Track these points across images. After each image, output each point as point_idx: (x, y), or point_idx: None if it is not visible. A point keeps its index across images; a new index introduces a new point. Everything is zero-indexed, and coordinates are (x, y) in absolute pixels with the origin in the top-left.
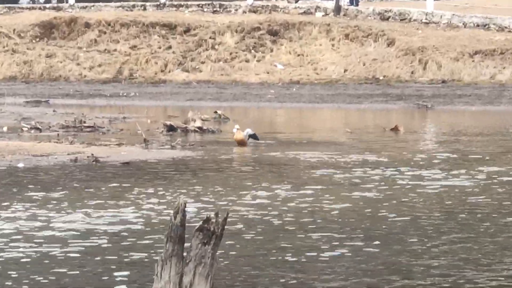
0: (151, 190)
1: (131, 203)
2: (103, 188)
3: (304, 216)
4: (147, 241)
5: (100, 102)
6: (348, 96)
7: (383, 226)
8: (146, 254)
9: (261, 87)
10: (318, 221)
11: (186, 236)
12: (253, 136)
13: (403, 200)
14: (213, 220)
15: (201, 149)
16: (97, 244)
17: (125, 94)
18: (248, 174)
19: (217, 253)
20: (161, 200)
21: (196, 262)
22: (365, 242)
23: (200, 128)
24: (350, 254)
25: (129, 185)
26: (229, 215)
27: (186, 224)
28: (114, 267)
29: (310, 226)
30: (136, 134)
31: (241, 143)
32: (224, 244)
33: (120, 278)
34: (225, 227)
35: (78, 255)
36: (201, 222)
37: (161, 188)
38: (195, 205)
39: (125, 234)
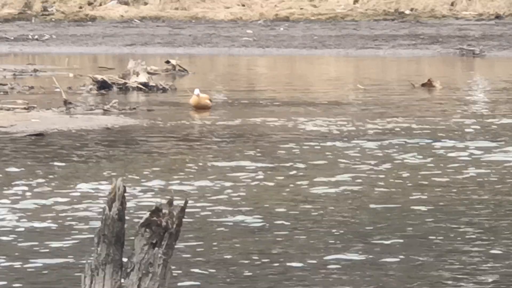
0: (72, 173)
1: (43, 192)
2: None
3: (292, 214)
4: (66, 243)
5: None
6: (360, 38)
7: (409, 225)
8: (62, 261)
9: (234, 25)
10: (324, 220)
11: (126, 234)
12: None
13: (441, 185)
14: (165, 211)
15: (146, 114)
16: None
17: (36, 36)
18: (211, 149)
19: (170, 258)
20: (86, 188)
21: (142, 271)
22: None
23: (145, 84)
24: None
25: (41, 166)
26: (187, 204)
27: (126, 218)
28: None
29: (300, 226)
30: (53, 93)
31: (200, 107)
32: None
33: None
34: (183, 220)
35: None
36: (147, 214)
37: (87, 171)
38: (138, 191)
39: (34, 234)
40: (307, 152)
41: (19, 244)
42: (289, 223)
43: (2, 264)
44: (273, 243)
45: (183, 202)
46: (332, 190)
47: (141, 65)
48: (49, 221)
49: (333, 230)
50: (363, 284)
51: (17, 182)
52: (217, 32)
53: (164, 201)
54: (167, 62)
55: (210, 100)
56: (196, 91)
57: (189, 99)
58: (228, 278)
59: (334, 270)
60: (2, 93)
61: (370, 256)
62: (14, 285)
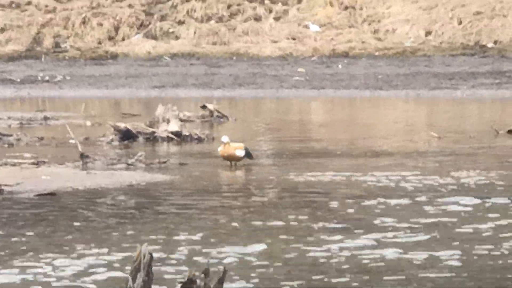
0: (90, 242)
1: (53, 267)
2: (6, 241)
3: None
4: None
5: (3, 92)
6: (434, 76)
7: None
8: None
9: (282, 62)
10: None
11: None
12: (248, 155)
13: None
14: (200, 283)
15: (178, 169)
16: None
17: (46, 78)
18: (254, 209)
19: None
20: (105, 258)
21: None
22: None
23: (177, 133)
24: None
25: (51, 233)
26: (226, 274)
27: None
28: None
29: None
30: (67, 145)
31: (227, 157)
32: None
33: None
34: None
35: None
36: (178, 287)
37: (107, 237)
38: (166, 259)
39: None
40: (370, 211)
41: None
42: None
43: None
44: None
45: (221, 272)
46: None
47: (172, 111)
48: None
49: None
50: None
51: (24, 253)
52: (262, 70)
53: (198, 272)
54: (203, 107)
55: (248, 152)
56: (224, 138)
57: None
58: None
59: None
60: (6, 145)
61: None
62: None
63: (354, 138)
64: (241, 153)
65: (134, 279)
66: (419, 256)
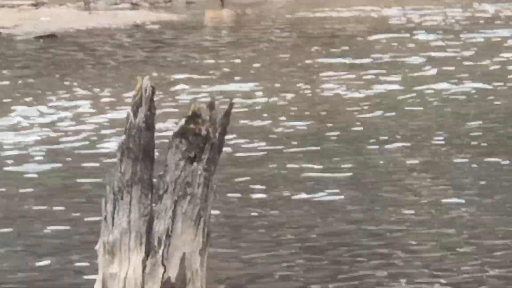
0: (92, 80)
1: (60, 106)
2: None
3: None
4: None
5: None
6: None
7: None
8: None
9: None
10: None
11: (156, 148)
12: None
13: None
14: (205, 117)
15: (185, 8)
16: None
17: None
18: (265, 46)
19: (213, 176)
20: (106, 98)
21: (177, 193)
22: None
23: None
24: None
25: (51, 76)
26: (233, 106)
27: (157, 126)
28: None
29: None
30: None
31: None
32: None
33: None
34: (227, 128)
35: None
36: (182, 121)
37: (111, 78)
38: (169, 97)
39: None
40: None
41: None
42: None
43: None
44: None
45: (229, 105)
46: None
47: None
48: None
49: None
50: None
51: (27, 95)
52: None
53: (203, 104)
54: None
55: None
56: None
57: None
58: None
59: None
60: None
61: None
62: None
63: None
64: None
65: (135, 114)
66: None
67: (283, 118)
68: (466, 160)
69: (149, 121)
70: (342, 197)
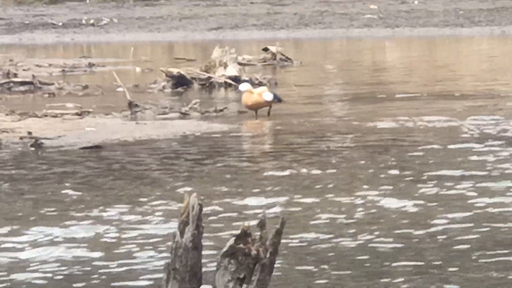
0: (137, 194)
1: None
2: (50, 196)
3: None
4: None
5: (44, 37)
6: None
7: None
8: None
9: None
10: None
11: (203, 267)
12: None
13: None
14: (256, 236)
15: (237, 117)
16: None
17: (92, 21)
18: (317, 161)
19: None
20: (154, 211)
21: None
22: None
23: (235, 79)
24: None
25: (98, 192)
26: (284, 225)
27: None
28: None
29: None
30: (115, 93)
31: (259, 105)
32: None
33: None
34: (279, 248)
35: None
36: (232, 240)
37: (157, 191)
38: (218, 213)
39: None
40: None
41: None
42: None
43: None
44: None
45: (278, 223)
46: None
47: (230, 54)
48: (111, 249)
49: None
50: None
51: (69, 209)
52: (330, 9)
53: (253, 222)
54: (265, 49)
55: (276, 95)
56: (243, 86)
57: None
58: None
59: None
60: (47, 95)
61: None
62: None
63: (432, 81)
64: (268, 96)
65: (182, 233)
66: None
67: None
68: None
69: (197, 241)
70: None
